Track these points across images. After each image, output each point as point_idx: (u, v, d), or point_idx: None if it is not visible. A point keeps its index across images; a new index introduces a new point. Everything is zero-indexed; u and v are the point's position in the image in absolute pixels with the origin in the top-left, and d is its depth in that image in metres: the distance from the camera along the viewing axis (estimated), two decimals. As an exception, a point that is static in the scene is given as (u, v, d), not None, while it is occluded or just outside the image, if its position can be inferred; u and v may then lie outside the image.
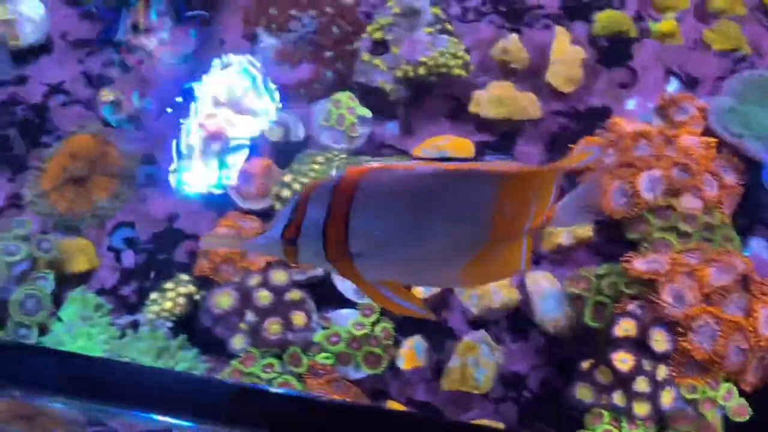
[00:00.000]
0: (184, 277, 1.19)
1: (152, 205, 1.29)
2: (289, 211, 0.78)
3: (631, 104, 1.35)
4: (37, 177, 1.30)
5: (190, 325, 1.18)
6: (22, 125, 1.38)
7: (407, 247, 0.79)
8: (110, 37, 1.43)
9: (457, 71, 1.30)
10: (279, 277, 1.14)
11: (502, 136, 1.32)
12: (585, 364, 1.04)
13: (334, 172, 0.74)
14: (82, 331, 1.07)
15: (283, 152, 1.30)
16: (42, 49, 1.42)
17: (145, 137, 1.35)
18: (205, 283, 1.19)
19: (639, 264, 1.07)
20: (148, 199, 1.30)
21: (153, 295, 1.17)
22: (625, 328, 1.03)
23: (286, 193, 1.22)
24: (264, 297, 1.12)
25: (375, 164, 0.77)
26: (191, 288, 1.17)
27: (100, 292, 1.21)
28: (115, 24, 1.43)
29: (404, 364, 1.12)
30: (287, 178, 1.23)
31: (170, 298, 1.15)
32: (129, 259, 1.26)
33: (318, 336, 1.12)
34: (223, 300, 1.13)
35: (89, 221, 1.26)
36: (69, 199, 1.27)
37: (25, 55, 1.43)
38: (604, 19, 1.38)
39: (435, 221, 0.78)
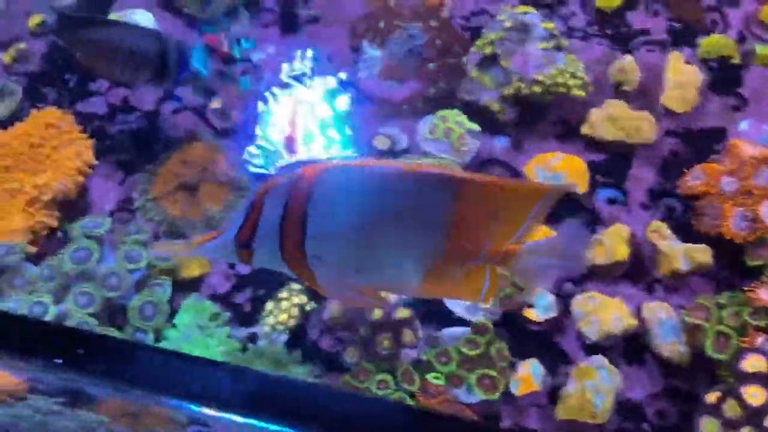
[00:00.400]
0: (295, 285, 1.19)
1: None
2: (243, 214, 0.76)
3: (744, 125, 1.31)
4: (148, 182, 1.31)
5: (298, 337, 1.17)
6: (134, 131, 1.39)
7: (366, 248, 0.77)
8: (215, 47, 1.44)
9: (576, 92, 1.26)
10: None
11: (615, 157, 1.29)
12: (712, 397, 1.00)
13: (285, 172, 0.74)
14: (198, 340, 1.07)
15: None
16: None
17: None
18: (313, 293, 1.18)
19: (766, 294, 1.04)
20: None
21: (269, 305, 1.17)
22: (753, 363, 0.99)
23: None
24: (376, 312, 1.11)
25: (333, 162, 0.75)
26: (303, 298, 1.17)
27: (212, 297, 1.21)
28: (219, 35, 1.45)
29: (519, 389, 1.08)
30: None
31: (285, 309, 1.15)
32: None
33: (427, 354, 1.10)
34: (338, 311, 1.12)
35: (202, 229, 1.27)
36: (180, 206, 1.28)
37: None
38: (707, 44, 1.37)
39: (393, 220, 0.76)
